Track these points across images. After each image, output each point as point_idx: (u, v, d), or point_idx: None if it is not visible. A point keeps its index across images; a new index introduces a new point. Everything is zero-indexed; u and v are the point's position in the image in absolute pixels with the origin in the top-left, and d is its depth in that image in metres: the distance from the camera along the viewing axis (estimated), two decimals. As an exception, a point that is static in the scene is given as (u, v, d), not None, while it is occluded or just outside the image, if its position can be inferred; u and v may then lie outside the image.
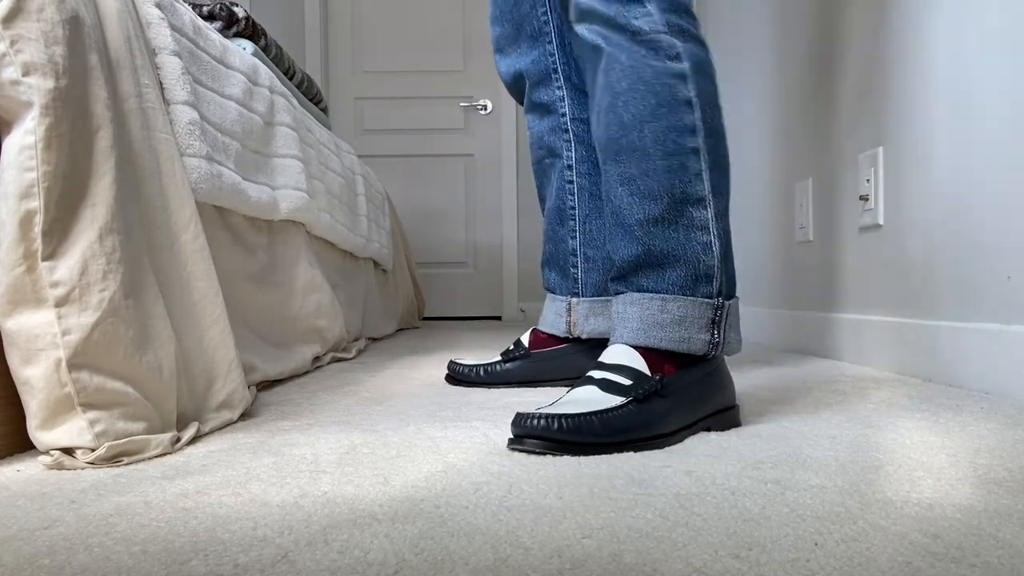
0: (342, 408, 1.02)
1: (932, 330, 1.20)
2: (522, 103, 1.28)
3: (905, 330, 1.28)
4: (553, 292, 1.25)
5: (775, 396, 1.07)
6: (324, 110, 2.43)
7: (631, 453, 0.72)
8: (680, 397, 0.79)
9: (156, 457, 0.73)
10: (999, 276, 1.06)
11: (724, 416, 0.85)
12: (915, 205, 1.28)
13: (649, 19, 0.85)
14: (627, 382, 0.78)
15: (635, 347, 0.83)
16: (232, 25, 1.69)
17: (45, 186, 0.68)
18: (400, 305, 2.83)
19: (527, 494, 0.58)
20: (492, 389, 1.20)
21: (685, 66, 0.85)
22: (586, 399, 0.76)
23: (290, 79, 2.01)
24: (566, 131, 1.21)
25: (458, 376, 1.24)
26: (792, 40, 1.82)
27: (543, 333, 1.24)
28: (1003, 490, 0.58)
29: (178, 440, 0.77)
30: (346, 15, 3.78)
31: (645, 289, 0.85)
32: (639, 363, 0.81)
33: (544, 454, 0.71)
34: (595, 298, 1.20)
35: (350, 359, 1.72)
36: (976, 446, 0.73)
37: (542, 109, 1.23)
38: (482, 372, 1.23)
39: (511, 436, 0.75)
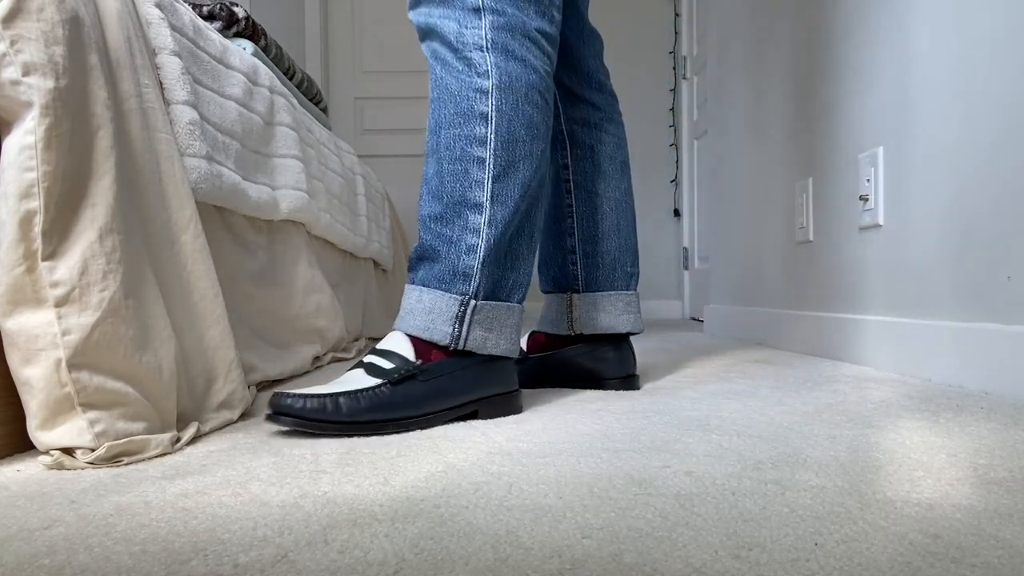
0: (342, 408, 1.02)
1: (932, 330, 1.20)
2: None
3: (905, 330, 1.28)
4: (552, 292, 1.25)
5: (775, 397, 1.07)
6: (324, 110, 2.43)
7: (632, 454, 0.72)
8: (440, 384, 0.87)
9: (156, 457, 0.73)
10: (999, 276, 1.06)
11: (496, 401, 0.93)
12: (915, 205, 1.28)
13: (476, 34, 0.92)
14: (388, 366, 0.85)
15: (406, 334, 0.91)
16: (232, 25, 1.69)
17: (45, 186, 0.68)
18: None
19: (527, 494, 0.58)
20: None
21: (489, 83, 0.91)
22: (349, 380, 0.84)
23: (290, 79, 2.01)
24: (560, 132, 1.21)
25: None
26: (791, 39, 1.82)
27: (543, 335, 1.24)
28: (1003, 490, 0.58)
29: (178, 440, 0.77)
30: (346, 15, 3.78)
31: (417, 280, 0.93)
32: (407, 349, 0.88)
33: (298, 431, 0.79)
34: (596, 293, 1.20)
35: (350, 359, 1.72)
36: (976, 446, 0.73)
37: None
38: None
39: (267, 413, 0.81)
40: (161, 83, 0.96)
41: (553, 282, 1.24)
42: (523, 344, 1.24)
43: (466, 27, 0.92)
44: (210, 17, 1.66)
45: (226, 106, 1.17)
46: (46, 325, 0.68)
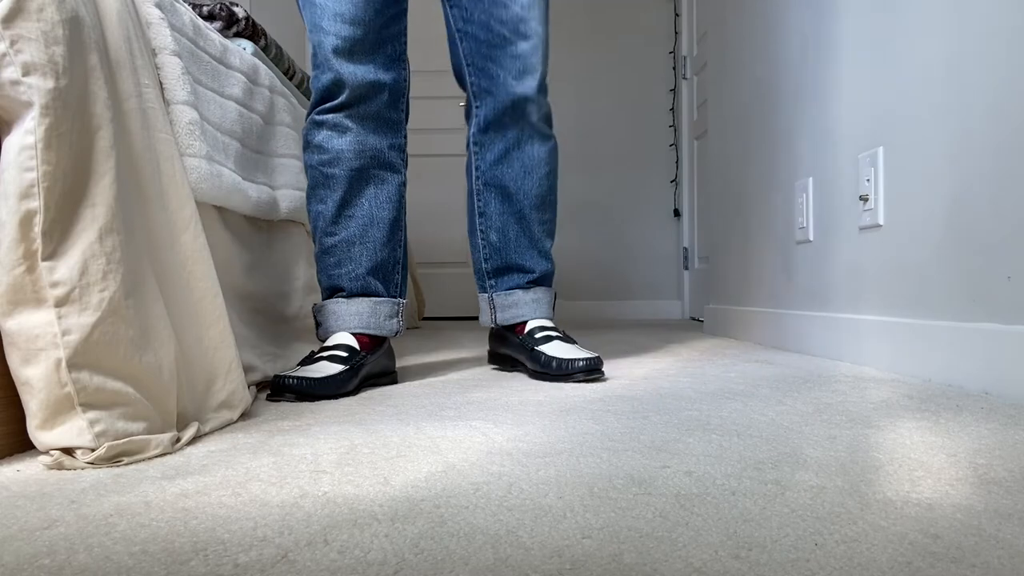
0: (342, 408, 1.02)
1: (932, 330, 1.20)
2: (348, 107, 1.26)
3: (905, 330, 1.28)
4: (378, 296, 1.30)
5: (775, 397, 1.07)
6: (324, 110, 2.41)
7: (632, 454, 0.72)
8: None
9: (156, 457, 0.73)
10: (999, 276, 1.06)
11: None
12: (915, 205, 1.28)
13: (547, 128, 1.41)
14: (562, 334, 1.39)
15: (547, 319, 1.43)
16: (232, 25, 1.68)
17: (45, 186, 0.68)
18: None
19: (527, 494, 0.58)
20: (491, 388, 1.20)
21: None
22: (566, 346, 1.33)
23: (290, 79, 2.01)
24: (403, 151, 1.36)
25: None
26: (791, 38, 1.82)
27: (366, 336, 1.27)
28: (1003, 490, 0.58)
29: (178, 440, 0.77)
30: (346, 15, 3.77)
31: (547, 286, 1.45)
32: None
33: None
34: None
35: (350, 359, 1.71)
36: (976, 446, 0.73)
37: (388, 124, 1.32)
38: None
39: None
40: (161, 83, 0.96)
41: (379, 288, 1.35)
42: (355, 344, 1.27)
43: (543, 125, 1.39)
44: (210, 17, 1.66)
45: (226, 106, 1.17)
46: (46, 325, 0.68)
